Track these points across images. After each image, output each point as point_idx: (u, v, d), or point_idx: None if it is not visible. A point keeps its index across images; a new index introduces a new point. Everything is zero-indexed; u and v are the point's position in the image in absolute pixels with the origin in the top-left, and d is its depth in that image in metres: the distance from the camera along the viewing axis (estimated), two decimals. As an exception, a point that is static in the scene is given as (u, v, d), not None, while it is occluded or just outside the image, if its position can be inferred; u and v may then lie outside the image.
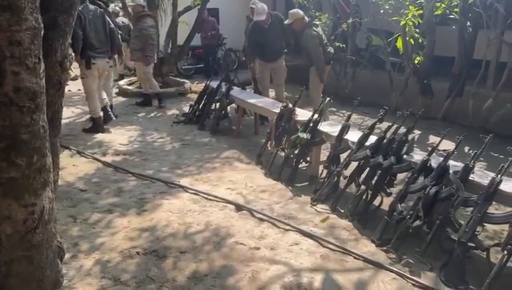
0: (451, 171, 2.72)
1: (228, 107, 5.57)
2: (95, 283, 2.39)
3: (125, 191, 3.63)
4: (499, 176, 2.49)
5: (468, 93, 5.66)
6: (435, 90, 6.16)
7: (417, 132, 5.59)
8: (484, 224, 2.49)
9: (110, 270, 2.50)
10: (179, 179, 3.91)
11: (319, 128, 3.87)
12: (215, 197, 3.49)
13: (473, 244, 2.44)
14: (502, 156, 4.40)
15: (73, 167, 4.18)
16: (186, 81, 8.61)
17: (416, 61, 5.92)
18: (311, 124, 3.89)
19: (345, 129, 3.63)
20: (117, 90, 8.11)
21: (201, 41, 10.13)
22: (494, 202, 2.63)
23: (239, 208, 3.32)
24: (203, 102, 6.02)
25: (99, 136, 5.27)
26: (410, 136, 3.19)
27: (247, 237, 2.91)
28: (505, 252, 2.30)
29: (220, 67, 9.92)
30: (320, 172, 3.84)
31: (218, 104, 5.62)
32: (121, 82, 8.36)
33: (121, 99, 7.64)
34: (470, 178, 2.66)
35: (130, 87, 8.03)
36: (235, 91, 5.65)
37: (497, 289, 2.29)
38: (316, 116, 3.92)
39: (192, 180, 3.89)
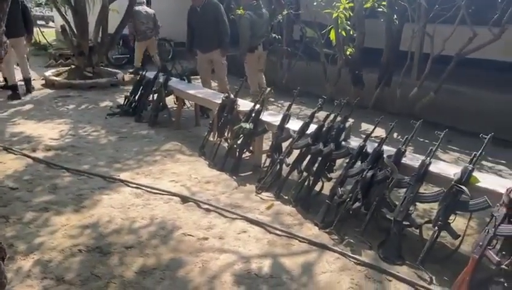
0: (385, 156, 2.90)
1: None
2: (36, 284, 2.26)
3: (60, 188, 3.44)
4: (428, 158, 2.71)
5: (396, 83, 6.04)
6: (365, 80, 6.49)
7: (351, 120, 5.88)
8: (416, 203, 2.70)
9: (51, 270, 2.38)
10: (118, 173, 3.78)
11: (261, 118, 3.93)
12: (159, 190, 3.43)
13: (407, 223, 2.64)
14: (426, 141, 4.78)
15: (0, 164, 3.87)
16: (119, 71, 8.28)
17: (348, 53, 6.19)
18: (253, 114, 3.94)
19: (286, 118, 3.72)
20: (43, 81, 7.60)
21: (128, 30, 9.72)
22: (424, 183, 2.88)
23: (185, 199, 3.29)
24: (139, 93, 5.84)
25: (27, 131, 4.92)
26: (347, 124, 3.34)
27: (194, 228, 2.90)
28: (436, 227, 2.52)
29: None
30: (263, 161, 3.91)
31: (155, 95, 5.48)
32: (47, 73, 7.83)
33: (48, 90, 7.16)
34: (402, 161, 2.87)
35: (57, 78, 7.55)
36: (174, 82, 5.54)
37: (430, 261, 2.51)
38: (257, 106, 3.97)
39: (132, 174, 3.78)
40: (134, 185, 3.52)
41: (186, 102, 5.72)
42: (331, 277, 2.42)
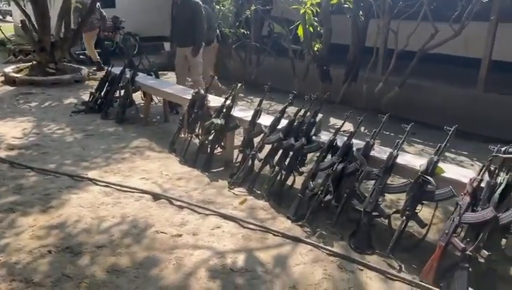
0: (354, 149, 2.97)
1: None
2: (4, 287, 2.18)
3: (26, 188, 3.32)
4: (395, 151, 2.80)
5: (363, 78, 6.17)
6: (333, 75, 6.60)
7: (320, 115, 5.96)
8: (385, 194, 2.79)
9: (19, 272, 2.30)
10: (86, 172, 3.69)
11: (232, 114, 3.93)
12: (129, 188, 3.37)
13: (376, 213, 2.72)
14: (392, 134, 4.92)
15: (-42, 165, 3.69)
16: (83, 67, 8.04)
17: (315, 49, 6.27)
18: (224, 110, 3.94)
19: (257, 114, 3.74)
20: (3, 78, 7.29)
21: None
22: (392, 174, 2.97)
23: (156, 197, 3.26)
24: (105, 89, 5.70)
25: (-13, 130, 4.71)
26: (317, 119, 3.39)
27: (167, 225, 2.87)
28: (404, 217, 2.61)
29: (122, 52, 9.44)
30: (235, 157, 3.91)
31: (122, 91, 5.37)
32: (7, 69, 7.50)
33: (8, 88, 6.87)
34: (371, 154, 2.95)
35: (18, 75, 7.25)
36: (141, 77, 5.44)
37: (399, 250, 2.60)
38: (228, 102, 3.96)
39: (101, 173, 3.69)
40: (104, 184, 3.44)
41: (154, 98, 5.64)
42: (304, 268, 2.46)
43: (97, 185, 3.44)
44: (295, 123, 3.40)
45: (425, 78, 6.07)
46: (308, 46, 6.42)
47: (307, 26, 6.19)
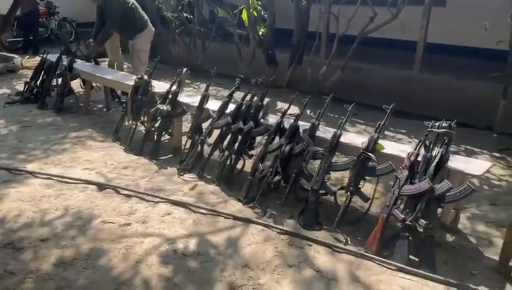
0: (301, 130, 3.05)
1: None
2: None
3: (-44, 185, 3.10)
4: (339, 130, 2.91)
5: (307, 62, 6.29)
6: (279, 60, 6.66)
7: (266, 99, 6.02)
8: (330, 172, 2.89)
9: (-46, 273, 2.16)
10: (25, 164, 3.49)
11: (178, 100, 3.87)
12: (72, 179, 3.23)
13: (323, 191, 2.82)
14: (336, 116, 5.07)
15: None
16: (16, 56, 7.52)
17: (260, 33, 6.29)
18: (170, 96, 3.87)
19: (204, 99, 3.71)
20: None
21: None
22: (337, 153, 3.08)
23: (101, 187, 3.16)
24: (41, 78, 5.39)
25: None
26: (264, 102, 3.43)
27: (114, 215, 2.80)
28: (348, 193, 2.73)
29: (58, 39, 8.91)
30: (184, 143, 3.86)
31: (60, 80, 5.10)
32: None
33: None
34: (316, 134, 3.03)
35: None
36: (79, 64, 5.19)
37: (344, 224, 2.71)
38: (174, 87, 3.90)
39: (41, 165, 3.51)
40: (44, 176, 3.28)
41: (95, 85, 5.42)
42: (256, 247, 2.51)
43: (37, 177, 3.27)
44: (243, 107, 3.41)
45: (367, 61, 6.29)
46: (253, 30, 6.43)
47: (251, 11, 6.19)
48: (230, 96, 3.58)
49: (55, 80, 5.19)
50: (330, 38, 6.15)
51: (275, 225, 2.71)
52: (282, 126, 3.17)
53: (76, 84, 5.22)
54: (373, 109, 5.41)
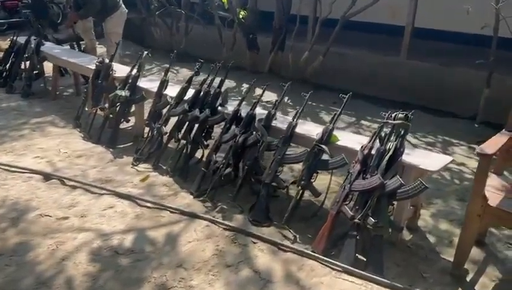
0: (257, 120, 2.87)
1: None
2: None
3: None
4: (295, 120, 2.72)
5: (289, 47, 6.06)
6: (261, 44, 6.43)
7: (245, 85, 5.84)
8: (285, 165, 2.72)
9: None
10: (-26, 151, 3.35)
11: (138, 85, 3.69)
12: (18, 168, 3.08)
13: (275, 184, 2.65)
14: (321, 105, 4.89)
15: None
16: (-6, 37, 7.33)
17: (240, 16, 6.05)
18: (130, 81, 3.68)
19: (164, 84, 3.52)
20: None
21: None
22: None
23: (47, 177, 3.00)
24: (10, 61, 5.20)
25: None
26: (223, 88, 3.24)
27: (54, 207, 2.65)
28: (299, 187, 2.56)
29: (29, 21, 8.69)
30: (146, 131, 3.69)
31: (28, 63, 4.92)
32: None
33: None
34: (272, 124, 2.85)
35: None
36: (47, 47, 4.99)
37: (296, 220, 2.56)
38: (134, 71, 3.71)
39: (-9, 152, 3.36)
40: (-9, 165, 3.13)
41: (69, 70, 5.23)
42: (196, 245, 2.35)
43: (-17, 166, 3.12)
44: (201, 94, 3.23)
45: (351, 47, 6.06)
46: (233, 13, 6.19)
47: (231, -8, 5.95)
48: (189, 81, 3.39)
49: (23, 63, 5.01)
50: (306, 22, 5.88)
51: (219, 221, 2.55)
52: (239, 115, 2.99)
53: (50, 68, 5.03)
54: (356, 97, 5.21)
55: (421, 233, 2.59)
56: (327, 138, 2.54)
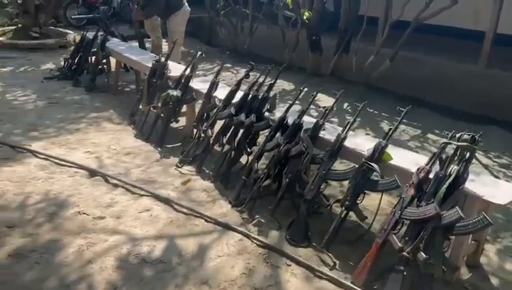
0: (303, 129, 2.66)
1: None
2: None
3: (-40, 159, 3.14)
4: (344, 132, 2.48)
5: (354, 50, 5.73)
6: (325, 46, 6.16)
7: (305, 89, 5.60)
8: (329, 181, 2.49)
9: None
10: (32, 142, 3.47)
11: (190, 85, 3.63)
12: (67, 162, 3.14)
13: (316, 202, 2.43)
14: (386, 114, 4.55)
15: None
16: (70, 32, 7.76)
17: (305, 17, 5.82)
18: (182, 81, 3.64)
19: (213, 86, 3.43)
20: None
21: None
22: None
23: (92, 173, 3.03)
24: (78, 55, 5.44)
25: None
26: (271, 93, 3.06)
27: (93, 206, 2.65)
28: (343, 208, 2.32)
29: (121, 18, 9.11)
30: (195, 132, 3.63)
31: (93, 58, 5.10)
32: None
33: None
34: (320, 135, 2.63)
35: (1, 38, 7.03)
36: (112, 43, 5.14)
37: (339, 243, 2.32)
38: (188, 71, 3.66)
39: (47, 144, 3.48)
40: (43, 156, 3.22)
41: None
42: (226, 261, 2.21)
43: (37, 157, 3.23)
44: (249, 98, 3.08)
45: (422, 52, 5.59)
46: (297, 13, 5.98)
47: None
48: (239, 84, 3.26)
49: (89, 57, 5.20)
50: (375, 23, 5.49)
51: (254, 236, 2.38)
52: (285, 122, 2.80)
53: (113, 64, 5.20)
54: (425, 105, 4.80)
55: (483, 272, 2.23)
56: (379, 155, 2.27)
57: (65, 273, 2.07)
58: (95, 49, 5.08)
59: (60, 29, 7.99)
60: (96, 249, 2.25)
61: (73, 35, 7.53)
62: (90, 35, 5.35)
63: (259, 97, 3.02)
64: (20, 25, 7.37)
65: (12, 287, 1.95)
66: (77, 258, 2.17)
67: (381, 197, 2.34)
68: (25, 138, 3.58)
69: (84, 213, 2.56)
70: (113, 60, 5.14)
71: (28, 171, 3.02)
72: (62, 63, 5.69)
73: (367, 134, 4.11)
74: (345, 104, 4.92)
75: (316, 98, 5.14)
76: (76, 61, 5.42)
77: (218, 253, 2.27)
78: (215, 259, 2.22)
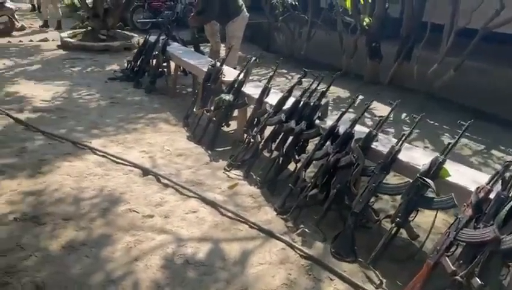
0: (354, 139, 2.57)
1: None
2: (-45, 251, 2.19)
3: (27, 152, 3.37)
4: (399, 144, 2.36)
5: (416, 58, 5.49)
6: (384, 53, 5.96)
7: (361, 97, 5.45)
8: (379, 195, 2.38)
9: (-24, 237, 2.30)
10: (92, 139, 3.66)
11: (243, 90, 3.66)
12: (123, 160, 3.27)
13: (364, 216, 2.34)
14: (447, 126, 4.31)
15: (-21, 124, 3.87)
16: (135, 35, 8.14)
17: (364, 23, 5.67)
18: (235, 85, 3.67)
19: (265, 91, 3.43)
20: (59, 43, 7.63)
21: None
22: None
23: (145, 172, 3.13)
24: (141, 58, 5.68)
25: (23, 91, 4.91)
26: (323, 101, 3.00)
27: (143, 204, 2.73)
28: (393, 224, 2.20)
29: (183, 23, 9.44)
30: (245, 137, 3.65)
31: (154, 61, 5.31)
32: (64, 34, 7.83)
33: (61, 52, 7.17)
34: (372, 146, 2.52)
35: (72, 40, 7.53)
36: (172, 47, 5.31)
37: (387, 260, 2.22)
38: (241, 76, 3.69)
39: (106, 142, 3.65)
40: (101, 154, 3.38)
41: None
42: (268, 269, 2.18)
43: (95, 154, 3.40)
44: (300, 104, 3.04)
45: (490, 62, 5.23)
46: (357, 19, 5.84)
47: (357, -3, 5.61)
48: (290, 91, 3.23)
49: (150, 60, 5.42)
50: (439, 31, 5.20)
51: (297, 246, 2.33)
52: (336, 131, 2.73)
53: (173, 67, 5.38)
54: (490, 119, 4.48)
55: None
56: (435, 170, 2.14)
57: (111, 268, 2.14)
58: (156, 53, 5.27)
59: (126, 32, 8.42)
60: (143, 247, 2.31)
61: (137, 38, 7.88)
62: (152, 38, 5.58)
63: (311, 104, 2.97)
64: (89, 28, 7.84)
65: (63, 278, 2.04)
66: (124, 254, 2.24)
67: (436, 215, 2.19)
68: (86, 135, 3.78)
69: (134, 211, 2.64)
70: (172, 64, 5.32)
71: (86, 167, 3.18)
72: (125, 64, 5.98)
73: (426, 147, 3.92)
74: (403, 115, 4.72)
75: (372, 107, 5.09)
76: (138, 63, 5.67)
77: (260, 260, 2.25)
78: (256, 266, 2.20)
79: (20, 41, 8.05)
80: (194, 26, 5.82)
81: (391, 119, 4.71)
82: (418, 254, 2.24)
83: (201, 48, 7.09)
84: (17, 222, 2.45)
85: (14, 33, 8.65)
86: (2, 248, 2.23)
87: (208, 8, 5.11)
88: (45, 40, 8.09)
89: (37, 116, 4.17)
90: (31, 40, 8.03)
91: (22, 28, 9.21)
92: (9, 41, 7.93)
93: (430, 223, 2.22)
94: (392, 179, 2.80)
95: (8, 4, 8.69)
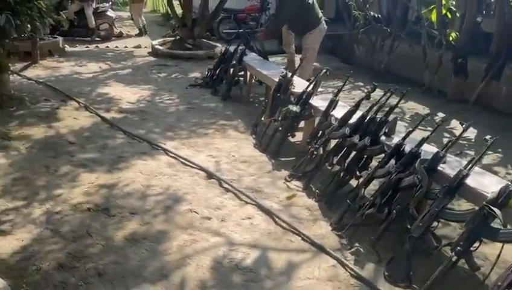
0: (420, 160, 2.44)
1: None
2: (35, 232, 2.47)
3: (108, 148, 3.69)
4: (468, 168, 2.21)
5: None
6: (471, 70, 5.57)
7: (441, 114, 5.16)
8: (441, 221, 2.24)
9: (54, 221, 2.58)
10: (166, 141, 3.90)
11: (310, 102, 3.66)
12: (190, 162, 3.44)
13: (423, 241, 2.21)
14: None
15: (72, 120, 4.31)
16: (219, 45, 8.49)
17: (450, 38, 5.35)
18: (304, 97, 3.69)
19: (332, 104, 3.40)
20: (150, 50, 8.23)
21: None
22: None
23: (209, 176, 3.26)
24: (220, 66, 5.93)
25: (112, 93, 5.38)
26: (391, 117, 2.89)
27: (204, 205, 2.85)
28: (453, 253, 2.06)
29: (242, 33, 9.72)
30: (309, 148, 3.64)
31: (232, 69, 5.50)
32: (154, 42, 8.43)
33: (151, 58, 7.73)
34: (439, 168, 2.38)
35: (161, 48, 8.08)
36: (249, 57, 5.47)
37: (441, 290, 2.08)
38: (310, 88, 3.70)
39: (178, 144, 3.87)
40: (173, 155, 3.59)
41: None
42: (314, 285, 2.16)
43: (168, 155, 3.62)
44: (366, 120, 2.97)
45: None
46: (442, 33, 5.53)
47: (443, 12, 5.32)
48: (358, 105, 3.16)
49: (228, 69, 5.63)
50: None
51: (349, 265, 2.27)
52: (402, 149, 2.62)
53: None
54: None
55: None
56: (504, 199, 1.97)
57: (165, 263, 2.27)
58: (234, 62, 5.47)
59: (211, 42, 8.81)
60: (197, 246, 2.42)
61: (220, 48, 8.23)
62: (232, 48, 5.79)
63: (377, 120, 2.89)
64: (178, 37, 8.36)
65: (121, 269, 2.21)
66: (179, 251, 2.37)
67: (502, 247, 2.01)
68: (162, 136, 4.04)
69: (194, 211, 2.77)
70: (249, 73, 5.48)
71: (157, 166, 3.40)
72: (206, 72, 6.27)
73: (508, 174, 3.59)
74: (488, 136, 4.36)
75: (452, 127, 4.78)
76: (217, 72, 5.92)
77: (308, 275, 2.23)
78: (303, 280, 2.19)
79: (116, 46, 8.82)
80: (262, 40, 5.98)
81: (473, 141, 4.43)
82: (480, 287, 2.06)
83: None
84: (90, 212, 2.70)
85: (113, 39, 9.50)
86: (74, 234, 2.47)
87: (279, 14, 5.19)
88: (138, 46, 8.77)
89: (121, 117, 4.54)
90: (126, 46, 8.76)
91: (120, 35, 10.09)
92: (107, 47, 8.73)
93: (495, 254, 2.04)
94: (464, 205, 2.62)
95: (109, 13, 9.60)
